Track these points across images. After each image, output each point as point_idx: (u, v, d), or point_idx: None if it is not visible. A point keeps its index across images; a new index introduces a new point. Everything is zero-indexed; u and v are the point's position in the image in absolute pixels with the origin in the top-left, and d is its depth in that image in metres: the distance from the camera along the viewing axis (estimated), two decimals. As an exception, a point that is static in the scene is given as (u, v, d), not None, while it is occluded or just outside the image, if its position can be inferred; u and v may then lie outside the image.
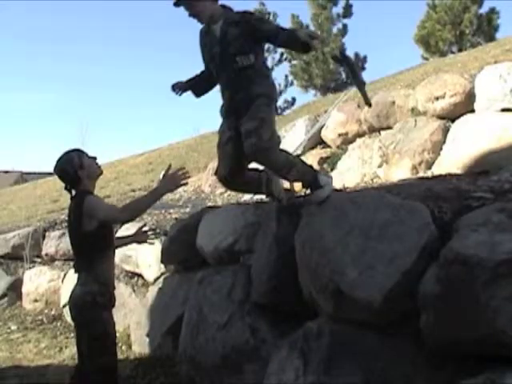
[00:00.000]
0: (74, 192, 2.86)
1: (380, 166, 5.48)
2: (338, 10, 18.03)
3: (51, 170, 2.98)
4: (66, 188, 2.88)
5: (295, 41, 2.72)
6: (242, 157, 2.91)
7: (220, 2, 3.01)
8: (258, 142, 2.73)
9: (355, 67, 3.04)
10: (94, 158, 2.91)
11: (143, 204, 2.79)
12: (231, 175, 3.11)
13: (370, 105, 3.05)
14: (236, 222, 3.53)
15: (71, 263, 3.57)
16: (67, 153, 2.86)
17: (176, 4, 2.93)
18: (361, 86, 2.92)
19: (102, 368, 2.69)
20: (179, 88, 3.13)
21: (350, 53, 18.29)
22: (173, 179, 2.74)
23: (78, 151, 2.88)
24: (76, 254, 2.89)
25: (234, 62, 2.90)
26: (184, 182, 2.76)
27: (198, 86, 3.21)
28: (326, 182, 2.86)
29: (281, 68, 21.61)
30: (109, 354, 2.75)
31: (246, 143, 2.78)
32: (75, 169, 2.79)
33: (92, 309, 2.70)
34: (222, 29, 2.95)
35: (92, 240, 2.73)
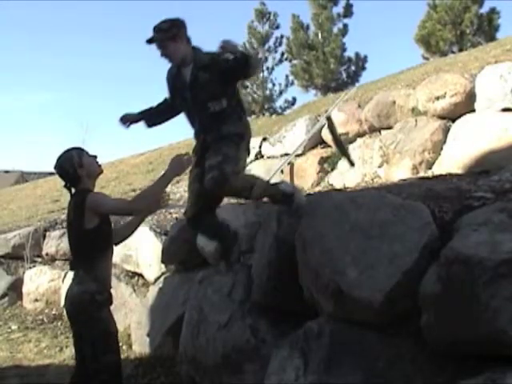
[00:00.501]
0: (73, 190, 2.86)
1: (380, 165, 5.48)
2: (339, 9, 18.11)
3: (52, 169, 2.98)
4: (65, 186, 2.88)
5: (253, 61, 2.77)
6: (209, 195, 2.90)
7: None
8: (219, 176, 2.73)
9: (337, 134, 3.08)
10: (95, 157, 2.91)
11: (152, 192, 2.80)
12: (199, 214, 3.09)
13: (353, 164, 3.10)
14: (236, 221, 3.53)
15: (72, 263, 3.56)
16: (67, 151, 2.85)
17: (149, 41, 2.89)
18: (343, 149, 2.97)
19: (107, 367, 2.69)
20: (128, 120, 3.12)
21: (350, 53, 18.40)
22: (179, 163, 2.76)
23: (78, 149, 2.88)
24: (74, 252, 2.87)
25: (206, 107, 2.90)
26: (190, 164, 2.80)
27: (152, 117, 3.19)
28: (291, 189, 2.91)
29: (281, 68, 21.71)
30: (112, 353, 2.75)
31: (206, 177, 2.79)
32: (75, 167, 2.78)
33: (91, 307, 2.70)
34: (193, 73, 2.93)
35: (92, 238, 2.73)
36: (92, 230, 2.71)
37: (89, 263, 2.75)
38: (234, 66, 2.81)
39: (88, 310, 2.69)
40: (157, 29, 2.90)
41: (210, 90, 2.89)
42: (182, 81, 2.98)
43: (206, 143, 2.96)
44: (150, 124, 3.21)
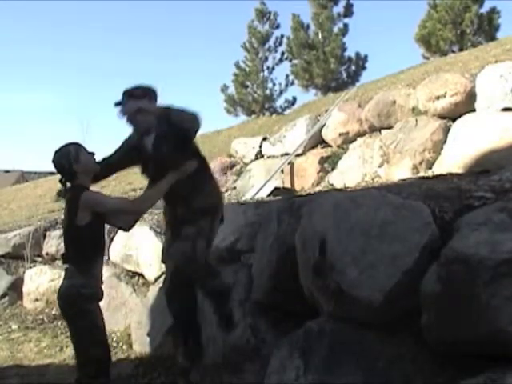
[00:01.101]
0: (68, 185, 2.85)
1: (381, 165, 5.48)
2: (339, 9, 18.03)
3: (52, 169, 2.98)
4: (60, 180, 2.88)
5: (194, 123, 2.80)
6: (176, 271, 2.92)
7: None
8: (190, 251, 2.77)
9: None
10: (93, 154, 2.91)
11: (154, 195, 2.83)
12: (172, 290, 3.07)
13: None
14: (237, 221, 3.54)
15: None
16: (65, 146, 2.85)
17: (117, 105, 2.86)
18: None
19: (92, 360, 2.70)
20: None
21: (350, 52, 18.35)
22: (183, 167, 2.80)
23: (76, 145, 2.87)
24: (67, 247, 2.89)
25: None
26: (193, 167, 2.82)
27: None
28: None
29: (281, 67, 21.59)
30: (99, 346, 2.75)
31: (180, 244, 2.82)
32: (70, 162, 2.77)
33: (79, 299, 2.70)
34: (154, 143, 2.88)
35: (84, 235, 2.73)
36: (83, 227, 2.71)
37: (80, 259, 2.76)
38: (182, 130, 2.80)
39: (77, 302, 2.70)
40: (128, 94, 2.85)
41: (173, 160, 2.84)
42: (145, 150, 2.92)
43: (176, 216, 2.96)
44: None
